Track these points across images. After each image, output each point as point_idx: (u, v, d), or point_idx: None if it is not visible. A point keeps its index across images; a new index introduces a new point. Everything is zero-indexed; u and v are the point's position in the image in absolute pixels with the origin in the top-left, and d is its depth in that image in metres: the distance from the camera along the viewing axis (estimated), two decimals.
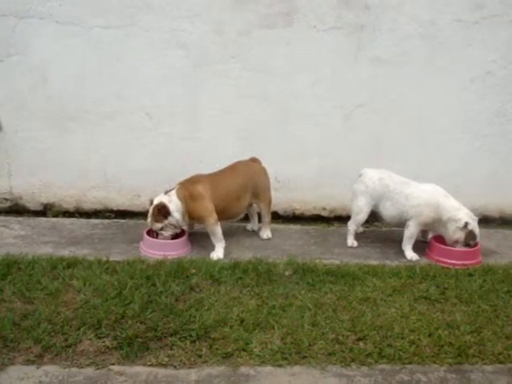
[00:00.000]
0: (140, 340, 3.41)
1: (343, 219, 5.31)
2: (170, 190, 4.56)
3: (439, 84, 5.40)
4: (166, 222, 4.51)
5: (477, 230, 4.62)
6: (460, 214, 4.60)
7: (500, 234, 5.44)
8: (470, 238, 4.61)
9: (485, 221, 5.56)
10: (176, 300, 3.85)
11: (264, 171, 4.97)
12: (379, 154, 5.42)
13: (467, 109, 5.48)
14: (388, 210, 4.84)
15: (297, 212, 5.62)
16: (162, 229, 4.54)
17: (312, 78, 5.32)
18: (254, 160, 4.97)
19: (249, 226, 5.18)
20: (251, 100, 5.30)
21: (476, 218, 4.66)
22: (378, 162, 5.16)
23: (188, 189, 4.54)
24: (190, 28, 5.10)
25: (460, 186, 5.20)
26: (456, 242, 4.64)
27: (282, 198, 5.53)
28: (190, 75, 5.20)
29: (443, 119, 5.47)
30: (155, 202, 4.52)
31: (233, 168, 4.85)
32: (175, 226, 4.57)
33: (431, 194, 4.71)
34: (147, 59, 5.16)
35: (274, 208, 5.46)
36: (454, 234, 4.63)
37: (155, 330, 3.50)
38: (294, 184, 5.54)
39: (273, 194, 5.35)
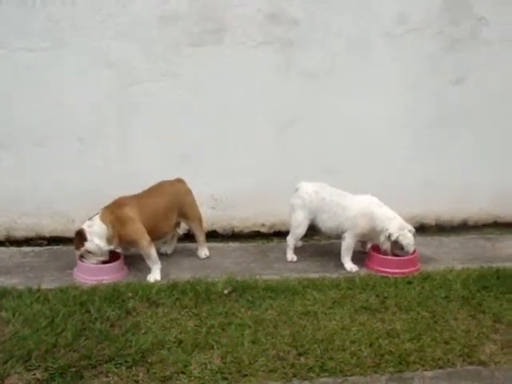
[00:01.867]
0: (73, 369, 3.25)
1: (282, 234, 5.27)
2: (94, 215, 4.43)
3: (370, 96, 5.46)
4: (82, 248, 4.37)
5: (405, 241, 4.61)
6: (390, 224, 4.63)
7: (437, 241, 5.52)
8: (395, 248, 4.64)
9: (422, 229, 5.65)
10: (111, 325, 3.72)
11: (189, 191, 4.90)
12: (315, 168, 5.40)
13: (399, 120, 5.56)
14: (325, 223, 4.84)
15: (236, 230, 5.56)
16: (81, 256, 4.42)
17: (244, 94, 5.30)
18: (179, 180, 4.90)
19: (162, 249, 5.00)
20: (184, 117, 5.24)
21: (411, 229, 4.69)
22: (315, 175, 5.14)
23: (115, 212, 4.42)
24: (119, 48, 5.02)
25: (397, 195, 5.21)
26: (386, 252, 4.68)
27: (220, 216, 5.48)
28: (120, 95, 5.11)
29: (376, 131, 5.53)
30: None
31: (158, 187, 4.77)
32: (95, 254, 4.41)
33: (366, 205, 4.74)
34: (76, 81, 5.04)
35: (212, 227, 5.43)
36: (383, 244, 4.67)
37: (89, 357, 3.35)
38: (232, 201, 5.49)
39: (211, 212, 5.34)
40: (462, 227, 5.86)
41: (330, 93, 5.38)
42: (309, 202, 4.84)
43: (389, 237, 4.60)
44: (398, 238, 4.60)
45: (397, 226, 4.63)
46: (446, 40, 5.46)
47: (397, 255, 4.66)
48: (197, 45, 5.14)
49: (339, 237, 4.89)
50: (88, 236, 4.34)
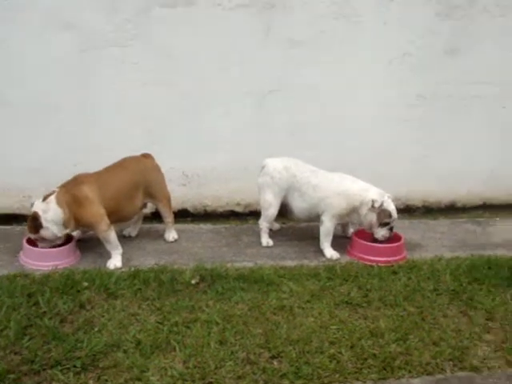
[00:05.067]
0: (12, 376, 2.84)
1: (259, 214, 4.84)
2: (50, 195, 3.95)
3: (356, 66, 5.06)
4: (36, 235, 3.95)
5: (391, 207, 4.24)
6: (369, 194, 4.25)
7: (424, 225, 5.16)
8: (383, 217, 4.23)
9: (408, 210, 5.33)
10: (61, 321, 3.31)
11: (157, 167, 4.45)
12: (295, 143, 5.02)
13: (386, 92, 5.17)
14: (297, 201, 4.46)
15: (208, 209, 5.15)
16: (37, 240, 3.99)
17: (220, 62, 4.85)
18: (146, 156, 4.44)
19: (126, 231, 4.58)
20: (153, 87, 4.76)
21: (389, 195, 4.30)
22: (294, 151, 4.73)
23: (71, 192, 3.96)
24: (77, 7, 4.49)
25: (381, 174, 4.93)
26: (372, 227, 4.29)
27: (191, 195, 5.08)
28: (80, 60, 4.60)
29: (362, 104, 5.14)
30: (33, 208, 3.92)
31: (121, 164, 4.30)
32: (50, 240, 3.99)
33: (338, 183, 4.35)
34: (27, 44, 4.51)
35: (182, 205, 5.05)
36: (366, 217, 4.28)
37: (32, 361, 2.94)
38: (205, 178, 5.08)
39: (181, 189, 4.98)
40: (450, 209, 5.54)
41: (313, 62, 4.96)
42: (278, 179, 4.43)
43: (373, 205, 4.20)
44: (382, 203, 4.21)
45: (377, 193, 4.26)
46: (440, 6, 5.01)
47: (386, 225, 4.25)
48: (167, 5, 4.64)
49: (311, 219, 4.52)
50: (43, 223, 3.89)
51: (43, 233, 3.92)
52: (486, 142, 5.42)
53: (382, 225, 4.26)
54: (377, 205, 4.21)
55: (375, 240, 4.33)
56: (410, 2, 4.96)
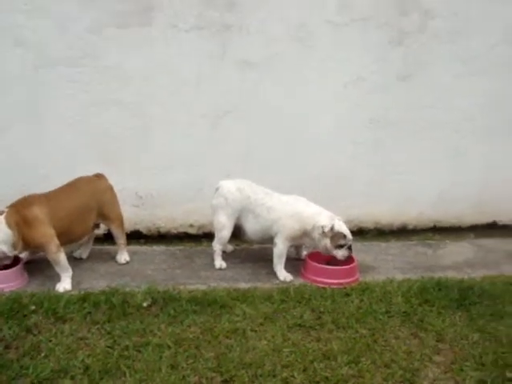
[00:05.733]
0: None
1: (212, 236, 4.81)
2: None
3: (311, 89, 5.09)
4: None
5: (343, 228, 4.25)
6: (319, 218, 4.27)
7: (376, 247, 5.19)
8: (337, 240, 4.24)
9: (360, 233, 5.35)
10: (6, 347, 3.22)
11: (110, 188, 4.40)
12: (249, 165, 5.03)
13: (340, 115, 5.20)
14: (250, 223, 4.46)
15: (162, 230, 5.10)
16: None
17: (174, 83, 4.83)
18: (99, 176, 4.39)
19: (76, 253, 4.50)
20: (104, 107, 4.72)
21: (340, 218, 4.32)
22: (250, 172, 4.75)
23: (21, 212, 3.87)
24: (30, 24, 4.43)
25: (334, 196, 4.97)
26: (329, 251, 4.29)
27: (144, 216, 5.02)
28: (30, 78, 4.53)
29: (316, 126, 5.16)
30: None
31: (73, 185, 4.24)
32: (1, 259, 3.89)
33: (291, 206, 4.38)
34: None
35: (135, 227, 4.98)
36: (320, 241, 4.29)
37: None
38: (158, 199, 5.02)
39: (134, 211, 4.90)
40: (402, 231, 5.59)
41: (268, 84, 4.98)
42: (232, 200, 4.44)
43: (323, 231, 4.22)
44: (333, 226, 4.22)
45: (327, 217, 4.28)
46: (393, 32, 5.12)
47: (342, 246, 4.25)
48: (121, 26, 4.62)
49: (264, 241, 4.53)
50: None
51: None
52: (437, 166, 5.49)
53: (338, 247, 4.28)
54: (326, 230, 4.23)
55: (329, 262, 4.35)
56: (364, 28, 5.03)
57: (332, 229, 4.23)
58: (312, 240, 4.36)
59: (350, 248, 4.31)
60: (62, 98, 4.63)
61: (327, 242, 4.26)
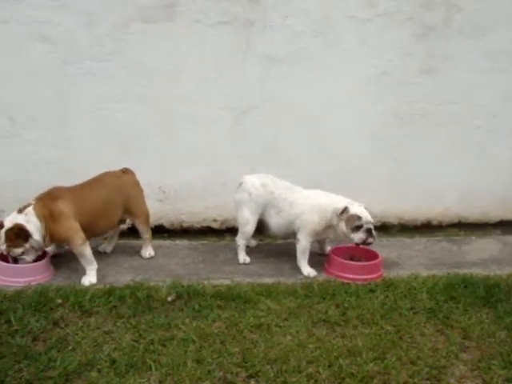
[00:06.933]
0: None
1: (236, 231, 4.81)
2: (26, 207, 3.89)
3: (334, 84, 5.06)
4: (27, 245, 3.86)
5: (358, 210, 4.22)
6: (338, 205, 4.25)
7: (400, 243, 5.16)
8: (352, 222, 4.20)
9: (384, 228, 5.31)
10: (34, 340, 3.24)
11: (136, 183, 4.41)
12: (272, 159, 5.03)
13: (363, 110, 5.18)
14: (273, 218, 4.46)
15: (185, 225, 5.11)
16: (22, 254, 3.90)
17: (197, 78, 4.84)
18: (126, 171, 4.40)
19: (101, 247, 4.52)
20: (129, 102, 4.74)
21: (360, 204, 4.29)
22: (272, 167, 4.74)
23: (47, 206, 3.90)
24: (56, 19, 4.46)
25: (357, 191, 4.87)
26: (346, 235, 4.25)
27: (168, 210, 5.03)
28: (57, 73, 4.57)
29: (339, 121, 5.14)
30: (7, 223, 3.84)
31: (99, 180, 4.26)
32: (37, 249, 3.93)
33: (312, 199, 4.37)
34: (6, 54, 4.47)
35: (159, 221, 4.99)
36: (338, 227, 4.27)
37: (2, 381, 2.87)
38: (181, 194, 5.03)
39: (158, 205, 4.90)
40: (426, 227, 5.55)
41: (291, 79, 4.97)
42: (256, 195, 4.43)
43: (338, 213, 4.20)
44: (346, 208, 4.19)
45: (345, 202, 4.26)
46: (417, 27, 5.06)
47: (359, 228, 4.20)
48: (147, 21, 4.63)
49: (288, 236, 4.54)
50: (31, 232, 3.84)
51: (33, 242, 3.86)
52: (462, 161, 5.44)
53: (355, 229, 4.24)
54: (339, 212, 4.21)
55: (353, 258, 4.36)
56: (387, 22, 5.00)
57: (345, 210, 4.20)
58: (335, 230, 4.34)
59: (369, 232, 4.25)
60: (88, 92, 4.66)
61: (343, 225, 4.23)
